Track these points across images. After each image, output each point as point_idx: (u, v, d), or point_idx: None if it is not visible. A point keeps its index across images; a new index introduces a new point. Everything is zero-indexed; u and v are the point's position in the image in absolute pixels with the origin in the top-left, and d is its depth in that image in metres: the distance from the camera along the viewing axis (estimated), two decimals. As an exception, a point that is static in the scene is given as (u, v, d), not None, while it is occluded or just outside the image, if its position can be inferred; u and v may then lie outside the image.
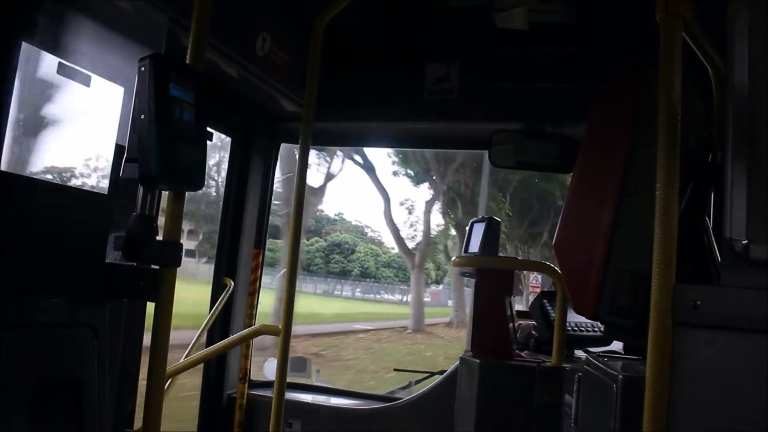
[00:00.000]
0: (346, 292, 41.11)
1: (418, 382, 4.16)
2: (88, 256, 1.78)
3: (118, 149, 2.04)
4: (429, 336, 25.00)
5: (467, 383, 2.97)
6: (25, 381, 1.58)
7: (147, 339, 1.94)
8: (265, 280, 4.14)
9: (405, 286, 42.72)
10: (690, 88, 1.80)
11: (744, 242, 1.50)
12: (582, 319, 2.92)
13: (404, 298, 42.20)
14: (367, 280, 41.29)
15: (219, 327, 3.65)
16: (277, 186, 4.15)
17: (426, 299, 39.48)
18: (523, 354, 3.09)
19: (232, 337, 3.31)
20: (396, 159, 25.93)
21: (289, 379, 3.00)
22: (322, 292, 39.80)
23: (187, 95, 1.78)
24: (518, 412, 2.80)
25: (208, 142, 1.91)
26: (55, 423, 1.66)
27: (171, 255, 1.83)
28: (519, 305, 3.44)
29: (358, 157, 22.90)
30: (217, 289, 3.66)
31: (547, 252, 27.47)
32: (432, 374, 4.03)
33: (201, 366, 3.53)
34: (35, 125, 1.83)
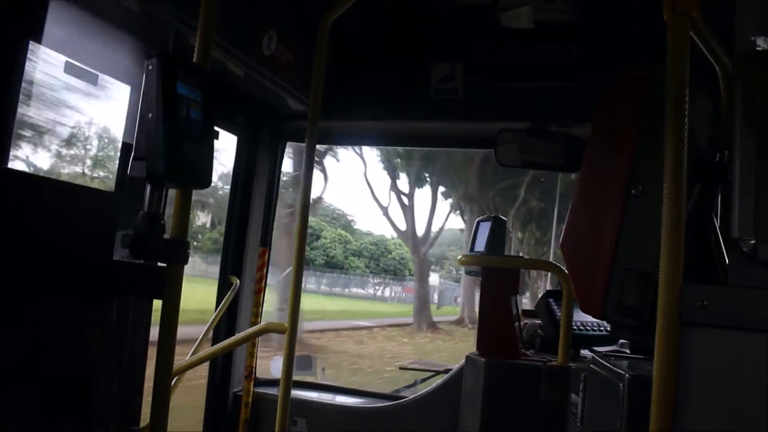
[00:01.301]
0: (311, 285, 35.62)
1: (423, 380, 4.17)
2: (95, 253, 1.79)
3: (126, 147, 2.05)
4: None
5: (473, 382, 2.97)
6: (32, 378, 1.58)
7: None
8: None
9: (378, 279, 38.47)
10: (697, 88, 1.80)
11: (752, 242, 1.50)
12: (588, 318, 2.91)
13: (379, 293, 38.02)
14: (334, 270, 36.55)
15: (225, 325, 3.66)
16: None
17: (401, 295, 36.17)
18: (528, 353, 3.09)
19: (237, 336, 3.32)
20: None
21: (294, 378, 3.00)
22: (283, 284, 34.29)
23: (194, 94, 1.79)
24: (524, 411, 2.80)
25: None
26: (63, 420, 1.67)
27: (178, 253, 1.84)
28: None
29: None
30: (223, 287, 3.66)
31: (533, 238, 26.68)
32: (437, 373, 4.04)
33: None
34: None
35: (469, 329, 23.92)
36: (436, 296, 36.93)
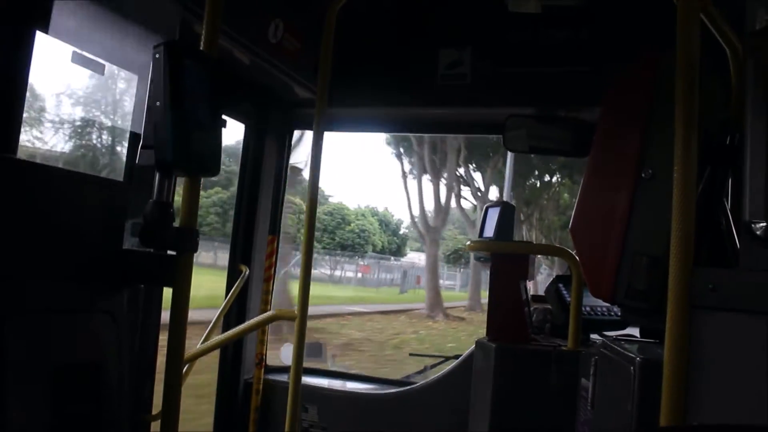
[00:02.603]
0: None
1: (433, 366, 4.18)
2: (106, 242, 1.80)
3: (134, 136, 2.05)
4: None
5: (483, 367, 2.98)
6: (45, 366, 1.60)
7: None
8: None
9: (328, 256, 31.86)
10: (707, 70, 1.79)
11: (763, 224, 1.49)
12: (598, 302, 2.92)
13: (338, 272, 31.68)
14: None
15: (235, 313, 3.68)
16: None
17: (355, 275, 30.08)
18: (538, 338, 3.10)
19: (247, 323, 3.33)
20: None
21: (305, 364, 3.01)
22: (210, 262, 24.29)
23: (202, 82, 1.79)
24: (534, 396, 2.80)
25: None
26: (75, 407, 1.68)
27: (187, 241, 1.84)
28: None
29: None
30: (233, 275, 3.68)
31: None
32: (447, 359, 4.05)
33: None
34: None
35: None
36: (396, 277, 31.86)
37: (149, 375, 2.30)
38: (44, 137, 2.11)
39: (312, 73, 3.06)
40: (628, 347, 1.95)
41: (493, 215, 3.25)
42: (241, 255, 3.76)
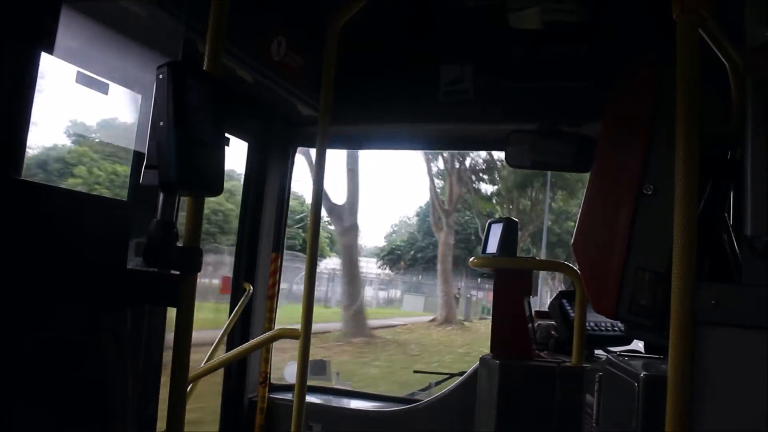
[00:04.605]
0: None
1: (438, 383, 4.16)
2: (109, 262, 1.80)
3: (137, 156, 2.06)
4: None
5: (487, 384, 2.97)
6: (48, 385, 1.60)
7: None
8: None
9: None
10: (707, 86, 1.80)
11: (765, 240, 1.49)
12: (601, 318, 2.91)
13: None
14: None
15: (239, 331, 3.67)
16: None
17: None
18: (542, 354, 3.09)
19: (251, 342, 3.32)
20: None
21: (308, 383, 3.00)
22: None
23: (205, 102, 1.79)
24: (539, 412, 2.79)
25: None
26: (79, 427, 1.68)
27: (191, 260, 1.84)
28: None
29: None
30: (236, 293, 3.67)
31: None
32: (452, 375, 4.04)
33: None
34: None
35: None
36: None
37: (153, 394, 2.30)
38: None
39: (315, 90, 3.07)
40: (632, 363, 1.94)
41: (497, 231, 3.25)
42: (244, 273, 3.75)
